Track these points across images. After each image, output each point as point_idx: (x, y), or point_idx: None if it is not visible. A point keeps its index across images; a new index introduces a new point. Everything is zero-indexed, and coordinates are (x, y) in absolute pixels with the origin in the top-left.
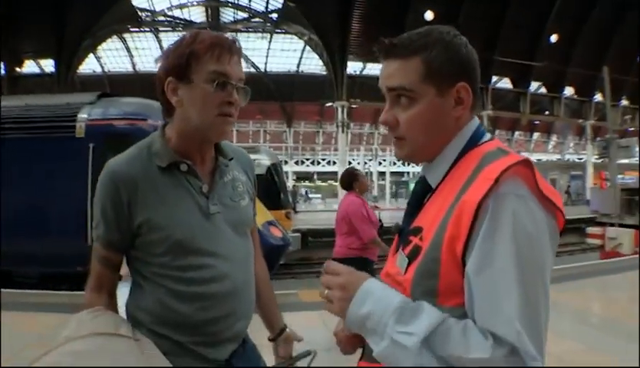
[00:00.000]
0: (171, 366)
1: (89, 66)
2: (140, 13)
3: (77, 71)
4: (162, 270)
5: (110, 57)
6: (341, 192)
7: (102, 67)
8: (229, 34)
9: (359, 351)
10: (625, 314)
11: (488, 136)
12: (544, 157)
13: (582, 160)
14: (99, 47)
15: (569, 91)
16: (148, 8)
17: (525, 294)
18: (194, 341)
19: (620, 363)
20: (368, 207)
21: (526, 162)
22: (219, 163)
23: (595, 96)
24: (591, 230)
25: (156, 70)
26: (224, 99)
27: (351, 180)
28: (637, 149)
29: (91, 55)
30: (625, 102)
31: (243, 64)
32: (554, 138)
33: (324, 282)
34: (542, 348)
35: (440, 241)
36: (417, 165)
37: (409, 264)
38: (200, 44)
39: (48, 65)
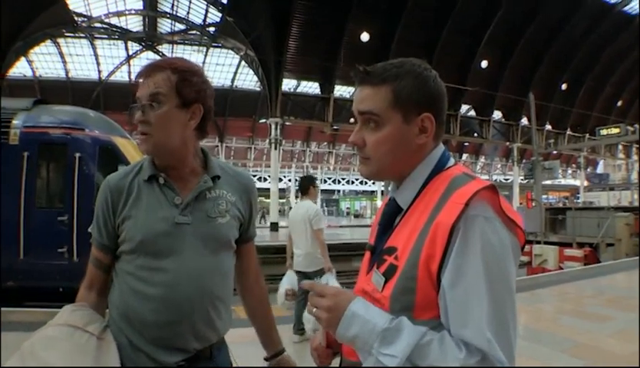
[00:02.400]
0: None
1: (20, 69)
2: (76, 18)
3: (7, 74)
4: (126, 266)
5: (43, 61)
6: (273, 209)
7: (33, 72)
8: (165, 46)
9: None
10: (550, 325)
11: (452, 161)
12: None
13: (508, 181)
14: (31, 51)
15: (497, 115)
16: (85, 14)
17: (494, 304)
18: (146, 340)
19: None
20: None
21: (492, 188)
22: (200, 180)
23: (522, 120)
24: None
25: None
26: (135, 121)
27: None
28: (559, 171)
29: (23, 58)
30: (548, 126)
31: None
32: (482, 159)
33: (313, 302)
34: (512, 353)
35: (416, 260)
36: (372, 181)
37: (385, 282)
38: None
39: None
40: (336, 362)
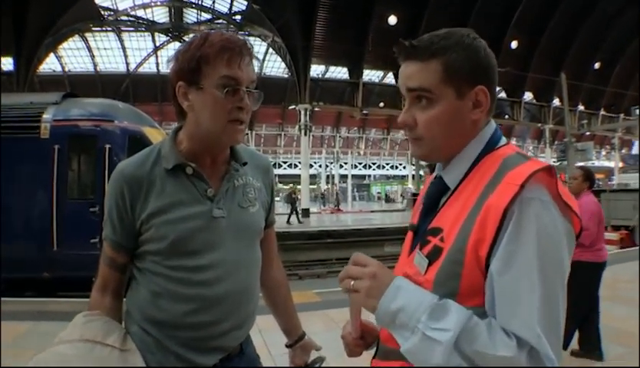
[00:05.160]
0: None
1: (49, 65)
2: (102, 12)
3: (37, 71)
4: (154, 267)
5: (72, 56)
6: (305, 195)
7: (62, 67)
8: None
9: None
10: None
11: (504, 139)
12: None
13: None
14: (60, 46)
15: (528, 96)
16: (111, 7)
17: (546, 296)
18: (179, 343)
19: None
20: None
21: (549, 169)
22: (230, 168)
23: (554, 101)
24: None
25: (168, 71)
26: (235, 104)
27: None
28: (593, 152)
29: (52, 54)
30: (581, 107)
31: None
32: (514, 141)
33: (352, 273)
34: (560, 347)
35: (464, 244)
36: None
37: (429, 264)
38: (210, 47)
39: (7, 63)
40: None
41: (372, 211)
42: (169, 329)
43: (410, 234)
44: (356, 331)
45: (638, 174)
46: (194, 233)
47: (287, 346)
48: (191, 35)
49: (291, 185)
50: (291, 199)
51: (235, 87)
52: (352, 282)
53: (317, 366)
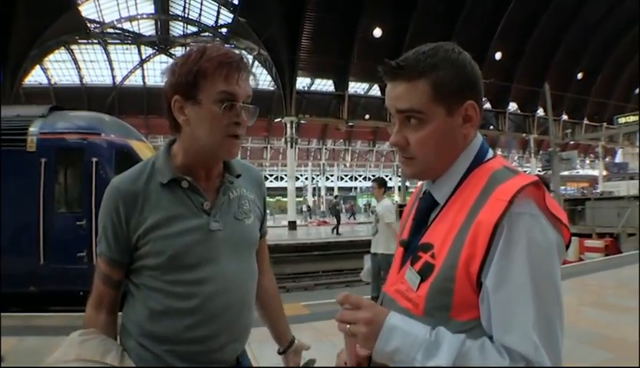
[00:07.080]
0: None
1: (35, 77)
2: (88, 24)
3: (23, 83)
4: (152, 282)
5: (57, 69)
6: (291, 207)
7: (48, 79)
8: (178, 49)
9: None
10: (572, 317)
11: (491, 152)
12: None
13: (526, 173)
14: (46, 59)
15: (512, 106)
16: (97, 20)
17: (541, 308)
18: (178, 358)
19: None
20: None
21: (537, 184)
22: (224, 180)
23: (538, 111)
24: None
25: (163, 84)
26: (232, 120)
27: None
28: (577, 161)
29: (38, 66)
30: (565, 116)
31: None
32: (499, 151)
33: (347, 319)
34: (559, 358)
35: (455, 261)
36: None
37: (421, 281)
38: (208, 62)
39: None
40: None
41: (359, 223)
42: (168, 344)
43: (400, 250)
44: (351, 360)
45: (621, 182)
46: (192, 247)
47: (280, 353)
48: (177, 48)
49: (336, 195)
50: (336, 211)
51: (233, 103)
52: (348, 326)
53: (311, 366)
